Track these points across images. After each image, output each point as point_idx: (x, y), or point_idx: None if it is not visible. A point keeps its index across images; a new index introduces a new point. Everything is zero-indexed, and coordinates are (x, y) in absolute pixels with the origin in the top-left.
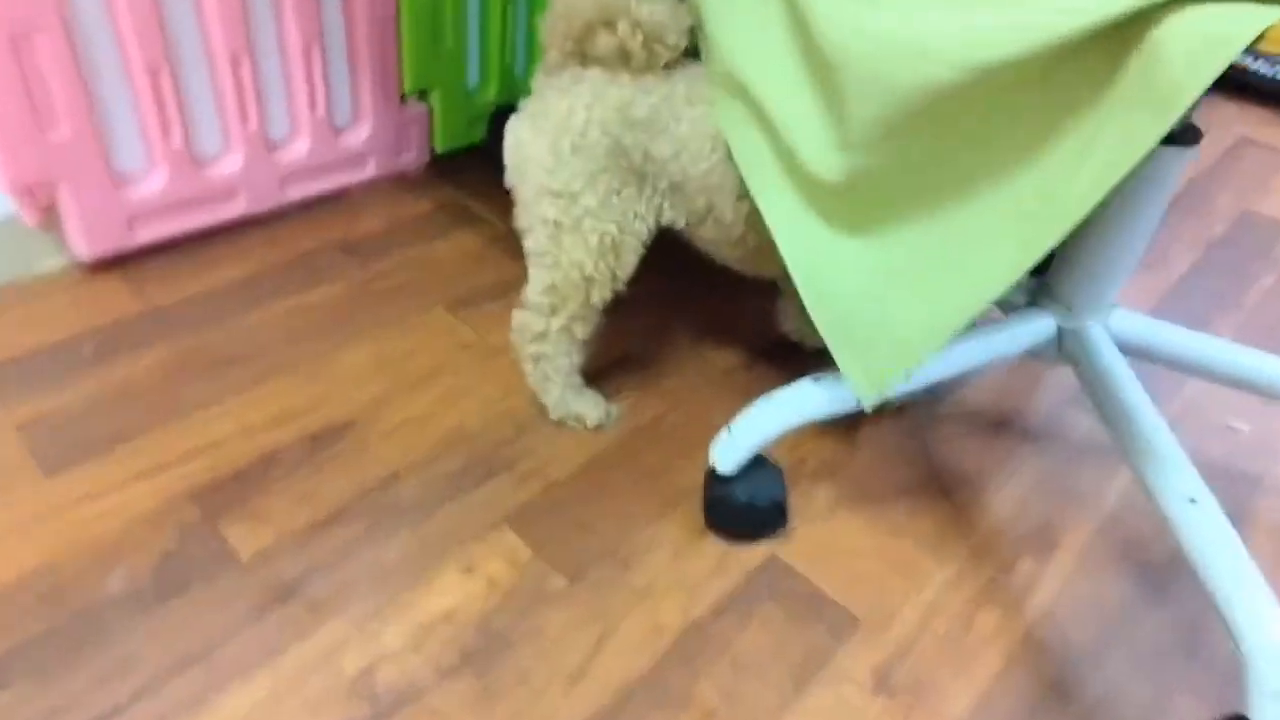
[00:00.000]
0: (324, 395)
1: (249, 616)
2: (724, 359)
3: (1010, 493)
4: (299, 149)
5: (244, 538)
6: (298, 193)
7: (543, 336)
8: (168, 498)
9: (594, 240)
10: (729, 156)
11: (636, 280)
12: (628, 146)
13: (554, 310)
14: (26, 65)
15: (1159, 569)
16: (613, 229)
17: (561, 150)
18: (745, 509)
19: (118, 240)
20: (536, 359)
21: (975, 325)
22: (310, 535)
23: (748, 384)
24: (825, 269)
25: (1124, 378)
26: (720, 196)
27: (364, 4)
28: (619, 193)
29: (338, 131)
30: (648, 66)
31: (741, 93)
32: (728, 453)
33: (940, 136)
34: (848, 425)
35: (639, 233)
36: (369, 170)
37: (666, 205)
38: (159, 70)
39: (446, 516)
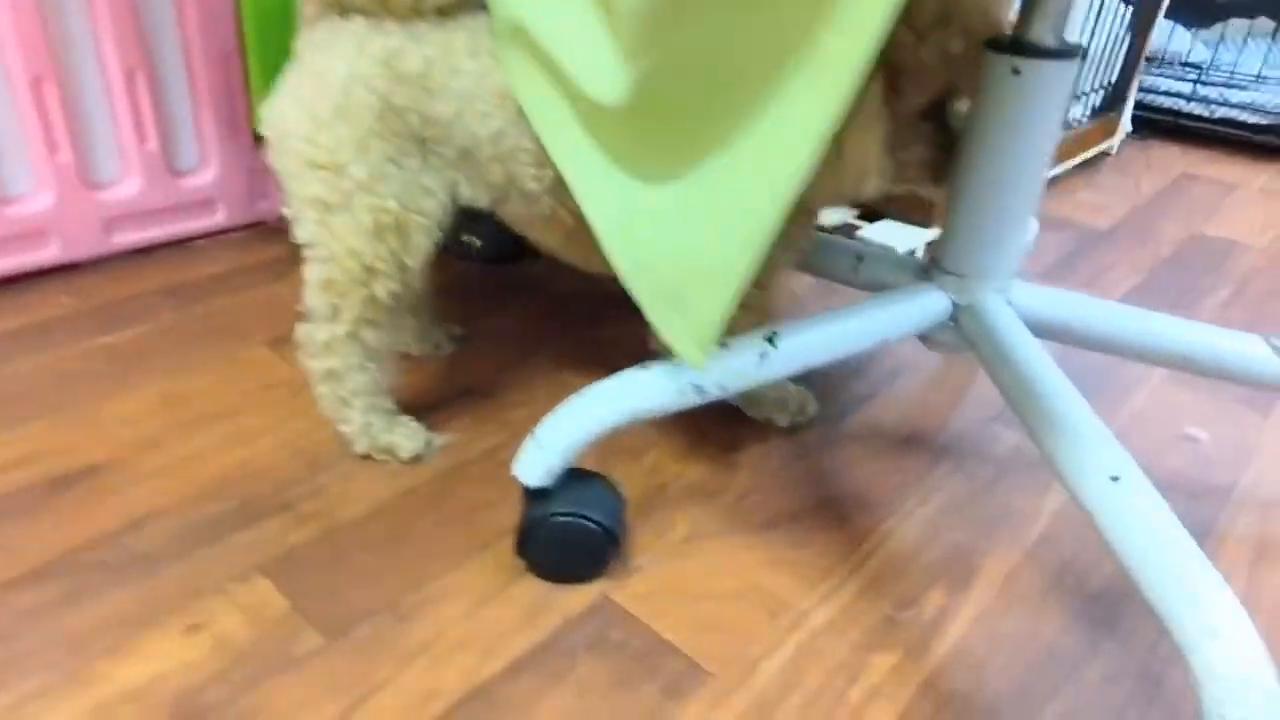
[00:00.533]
0: (83, 438)
1: None
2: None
3: (920, 517)
4: (127, 190)
5: None
6: (127, 239)
7: (329, 348)
8: None
9: (368, 220)
10: (521, 116)
11: (496, 312)
12: (401, 107)
13: (335, 313)
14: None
15: (1103, 600)
16: (392, 205)
17: (320, 114)
18: (562, 534)
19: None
20: (327, 378)
21: (860, 304)
22: None
23: None
24: (634, 226)
25: (1027, 349)
26: (517, 164)
27: (198, 35)
28: (398, 163)
29: (179, 174)
30: (414, 11)
31: (524, 39)
32: (534, 461)
33: (705, 26)
34: (726, 446)
35: (429, 211)
36: (218, 217)
37: (461, 179)
38: (43, 80)
39: (187, 567)
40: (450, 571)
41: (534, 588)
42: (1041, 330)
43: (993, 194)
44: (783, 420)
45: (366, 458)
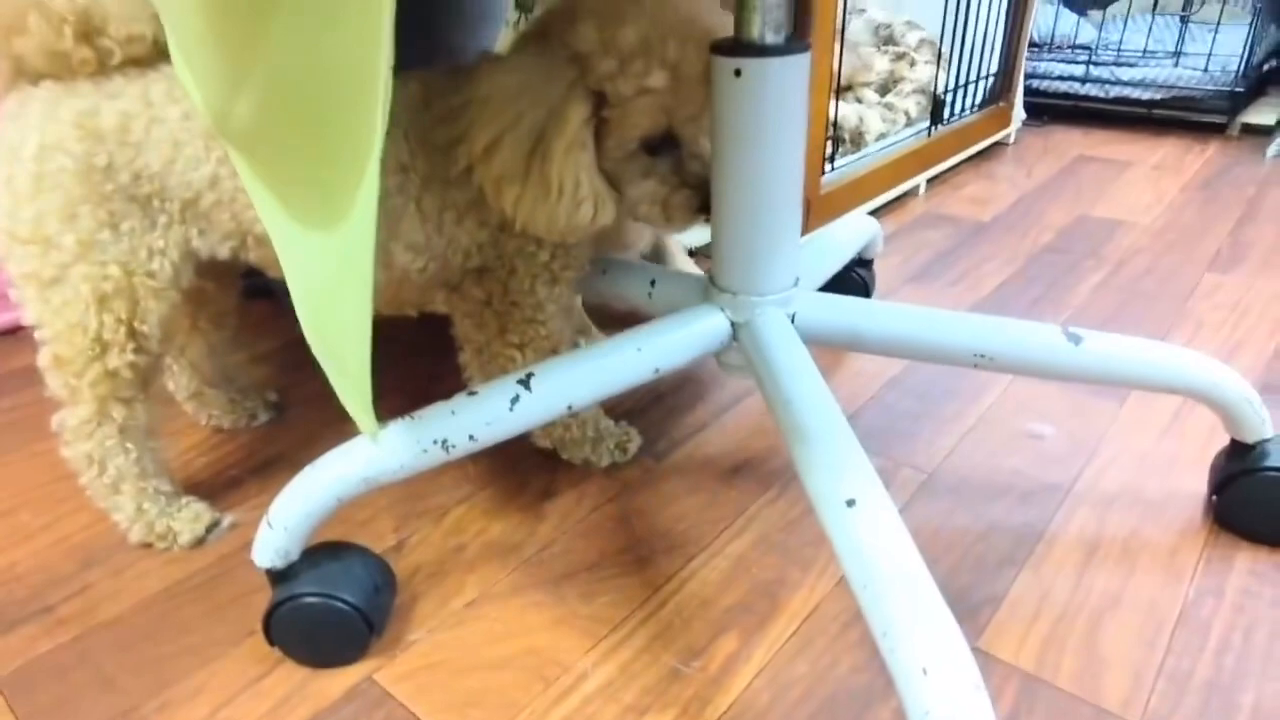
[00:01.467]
0: None
1: None
2: None
3: (729, 554)
4: None
5: None
6: None
7: (80, 432)
8: None
9: (88, 290)
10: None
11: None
12: (106, 166)
13: (74, 393)
14: None
15: None
16: (114, 271)
17: (18, 188)
18: (308, 616)
19: None
20: (88, 464)
21: (632, 332)
22: None
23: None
24: (306, 276)
25: (793, 364)
26: (240, 208)
27: None
28: (115, 226)
29: None
30: (101, 66)
31: None
32: (267, 542)
33: (278, 57)
34: (540, 493)
35: (160, 273)
36: None
37: (194, 232)
38: None
39: None
40: (205, 666)
41: (291, 676)
42: (830, 339)
43: (746, 203)
44: (601, 460)
45: (147, 545)
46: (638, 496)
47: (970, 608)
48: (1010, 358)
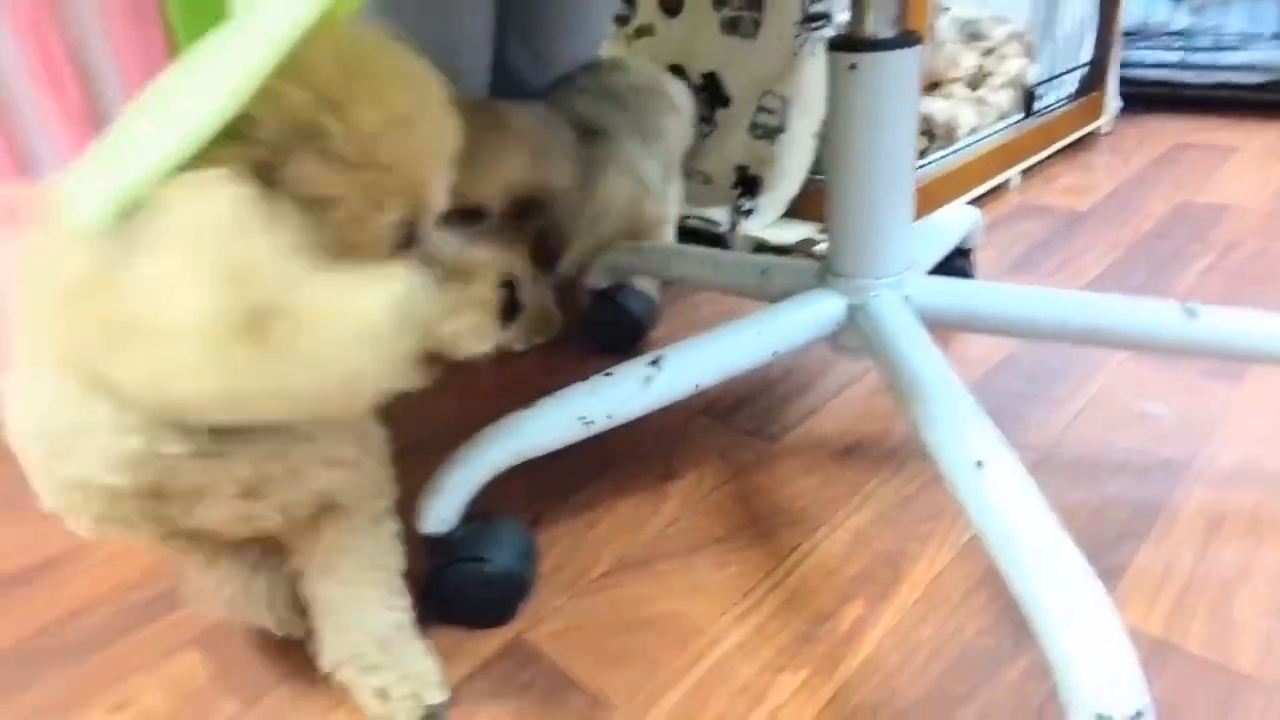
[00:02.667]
0: (37, 536)
1: None
2: None
3: (849, 528)
4: None
5: None
6: None
7: None
8: None
9: None
10: None
11: None
12: None
13: None
14: None
15: None
16: None
17: None
18: (466, 580)
19: None
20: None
21: (751, 316)
22: None
23: None
24: None
25: (912, 342)
26: None
27: None
28: None
29: None
30: None
31: None
32: (431, 508)
33: None
34: (661, 475)
35: None
36: None
37: None
38: None
39: (122, 648)
40: None
41: (447, 636)
42: (946, 321)
43: (860, 191)
44: None
45: None
46: (755, 477)
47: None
48: (1125, 332)
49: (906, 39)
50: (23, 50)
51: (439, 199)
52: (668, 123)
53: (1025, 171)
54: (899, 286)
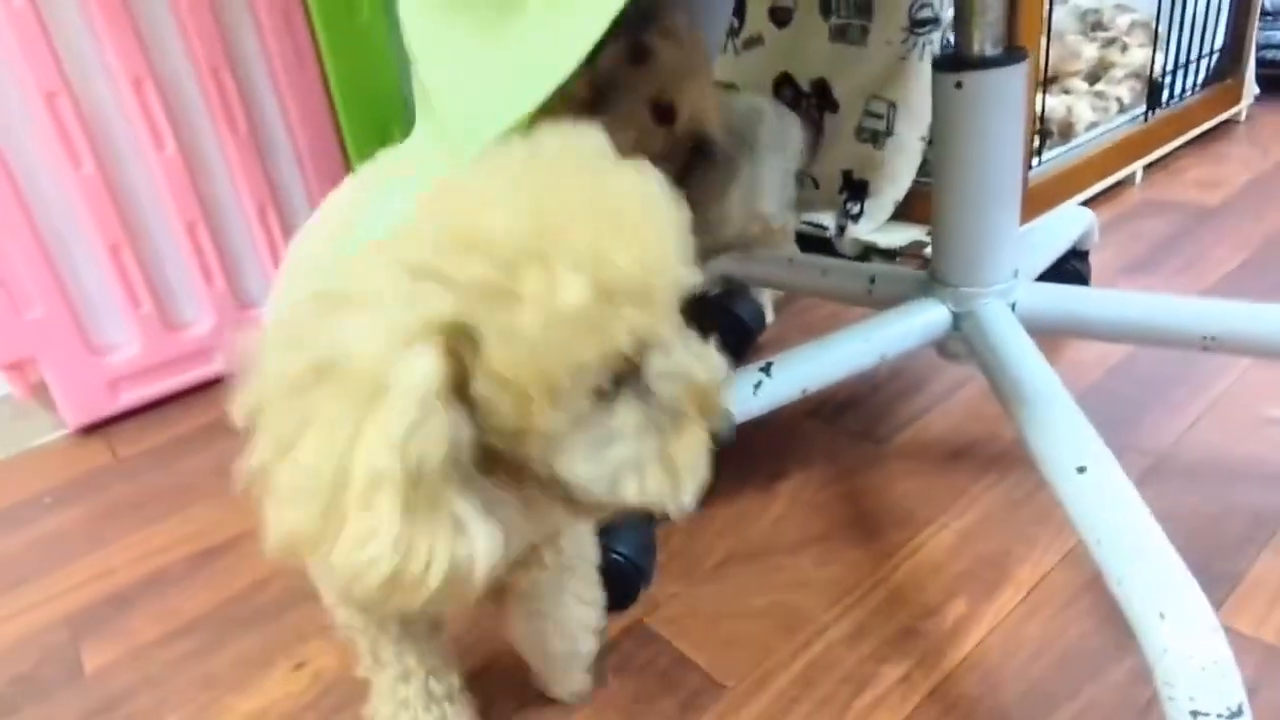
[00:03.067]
0: (228, 516)
1: None
2: None
3: (954, 530)
4: None
5: (95, 655)
6: None
7: None
8: (44, 624)
9: None
10: None
11: None
12: None
13: None
14: None
15: None
16: None
17: None
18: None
19: (101, 406)
20: None
21: (858, 324)
22: (154, 648)
23: None
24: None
25: (1018, 349)
26: None
27: (313, 163)
28: None
29: None
30: None
31: None
32: None
33: None
34: (770, 475)
35: None
36: None
37: None
38: (119, 246)
39: (298, 615)
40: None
41: None
42: (1052, 326)
43: (966, 203)
44: None
45: None
46: (861, 478)
47: (1207, 582)
48: (1242, 338)
49: (1012, 56)
50: (204, 91)
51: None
52: (782, 138)
53: (1152, 165)
54: (1005, 295)
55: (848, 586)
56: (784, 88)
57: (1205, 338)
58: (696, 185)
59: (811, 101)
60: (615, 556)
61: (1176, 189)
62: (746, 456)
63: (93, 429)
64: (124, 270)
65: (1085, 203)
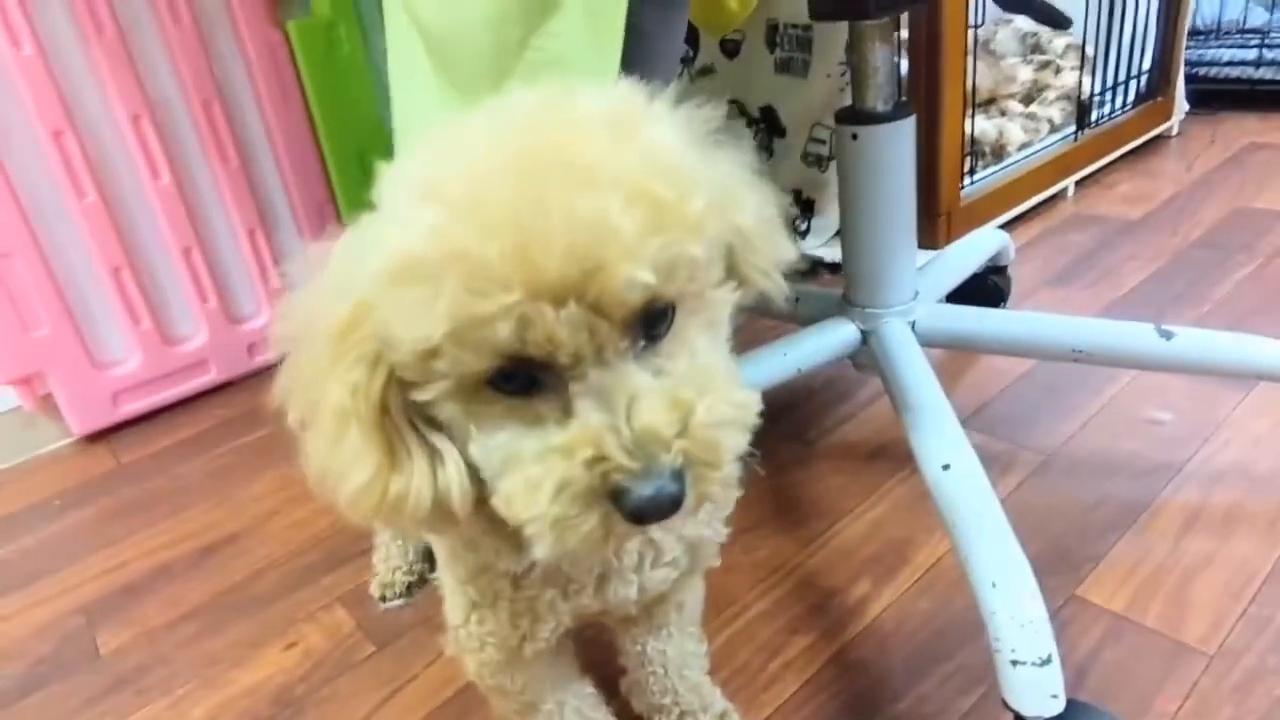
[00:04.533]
0: (227, 515)
1: (85, 704)
2: None
3: (867, 519)
4: (263, 320)
5: (110, 638)
6: (267, 358)
7: None
8: (63, 612)
9: None
10: None
11: None
12: None
13: None
14: (6, 279)
15: None
16: None
17: None
18: None
19: (104, 416)
20: None
21: (778, 341)
22: (162, 632)
23: None
24: None
25: (909, 362)
26: None
27: (299, 190)
28: None
29: None
30: None
31: None
32: None
33: None
34: None
35: None
36: None
37: None
38: (120, 269)
39: (290, 601)
40: None
41: None
42: (946, 342)
43: (868, 236)
44: None
45: None
46: (790, 474)
47: (1073, 564)
48: (1105, 352)
49: (900, 111)
50: (197, 125)
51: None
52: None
53: (1086, 179)
54: (905, 314)
55: (770, 569)
56: (735, 113)
57: (1075, 351)
58: None
59: (760, 126)
60: None
61: (1104, 204)
62: None
63: (97, 437)
64: (125, 290)
65: (1019, 217)
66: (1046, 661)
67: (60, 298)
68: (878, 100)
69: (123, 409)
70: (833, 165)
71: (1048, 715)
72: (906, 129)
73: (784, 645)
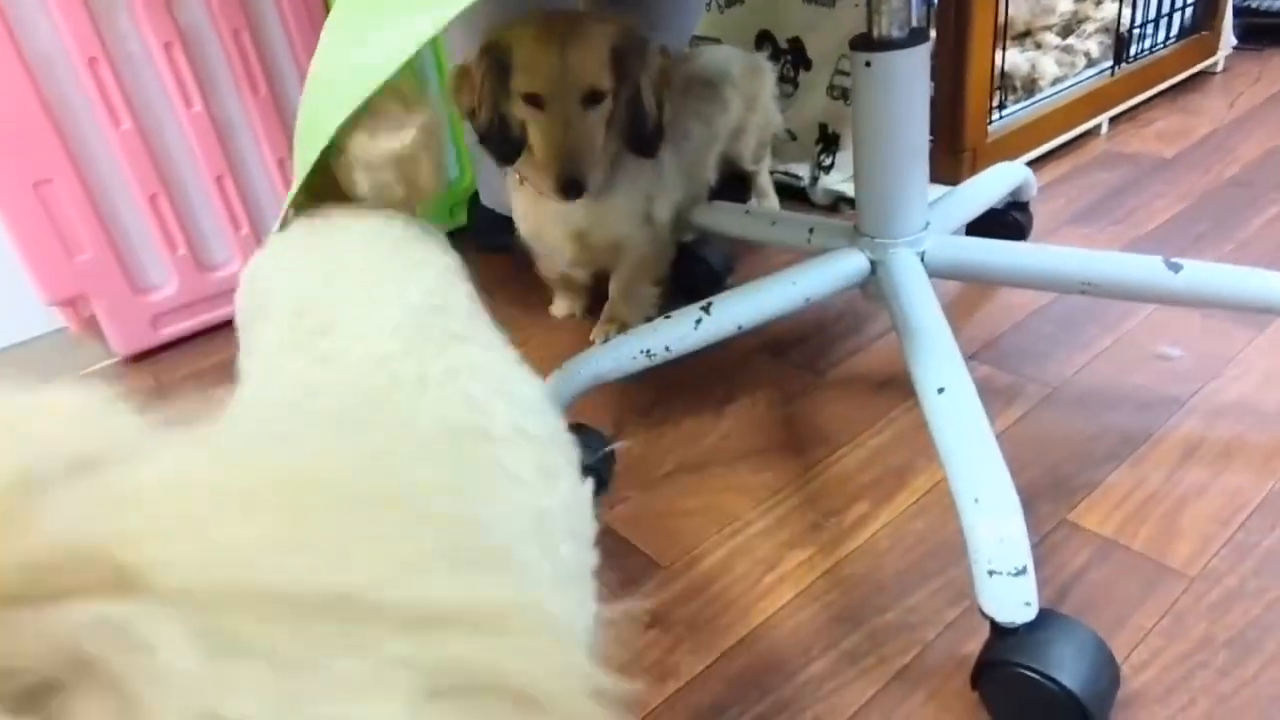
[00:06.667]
0: None
1: None
2: None
3: (870, 446)
4: None
5: None
6: None
7: None
8: None
9: None
10: None
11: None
12: None
13: None
14: (50, 204)
15: None
16: None
17: None
18: None
19: (144, 339)
20: None
21: (787, 270)
22: None
23: None
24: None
25: (914, 289)
26: None
27: None
28: None
29: None
30: None
31: None
32: None
33: None
34: (721, 399)
35: None
36: None
37: None
38: (157, 195)
39: None
40: None
41: None
42: (955, 273)
43: (879, 166)
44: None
45: None
46: (800, 403)
47: (1068, 490)
48: (1113, 284)
49: (914, 38)
50: (227, 54)
51: None
52: (752, 87)
53: (1120, 116)
54: (914, 245)
55: (774, 490)
56: (764, 44)
57: (1083, 283)
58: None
59: (787, 59)
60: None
61: (1138, 141)
62: (702, 383)
63: (138, 358)
64: (162, 218)
65: (1048, 154)
66: (1021, 572)
67: (101, 223)
68: (892, 26)
69: (162, 332)
70: None
71: (1020, 621)
72: (921, 56)
73: (780, 559)
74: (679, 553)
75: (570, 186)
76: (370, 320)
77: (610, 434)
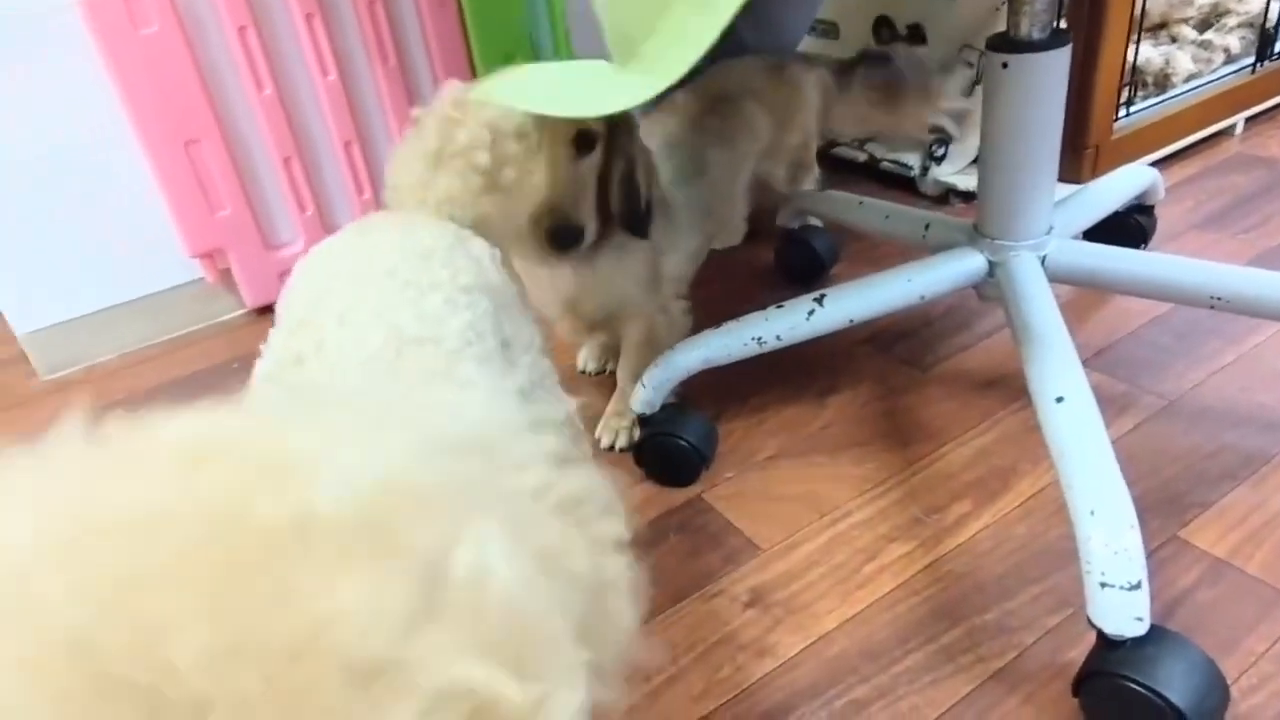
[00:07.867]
0: None
1: None
2: None
3: (974, 446)
4: None
5: None
6: None
7: None
8: None
9: None
10: None
11: None
12: None
13: None
14: (197, 163)
15: None
16: None
17: None
18: (662, 447)
19: (272, 292)
20: None
21: (903, 266)
22: None
23: None
24: None
25: (1035, 293)
26: None
27: None
28: None
29: None
30: None
31: None
32: (640, 398)
33: None
34: (823, 390)
35: None
36: None
37: None
38: (291, 158)
39: None
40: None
41: (650, 489)
42: (1075, 279)
43: (1006, 168)
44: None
45: None
46: (903, 398)
47: (1180, 507)
48: (1246, 301)
49: (1056, 40)
50: (361, 26)
51: None
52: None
53: (1257, 117)
54: (1036, 249)
55: (875, 482)
56: (882, 29)
57: (1213, 298)
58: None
59: (905, 45)
60: (682, 442)
61: (1276, 144)
62: (806, 374)
63: (265, 310)
64: (294, 179)
65: (1177, 153)
66: (1136, 587)
67: (240, 182)
68: (1033, 28)
69: None
70: (978, 90)
71: (1130, 635)
72: (1061, 59)
73: (881, 550)
74: (779, 536)
75: (561, 234)
76: (347, 348)
77: (710, 415)
